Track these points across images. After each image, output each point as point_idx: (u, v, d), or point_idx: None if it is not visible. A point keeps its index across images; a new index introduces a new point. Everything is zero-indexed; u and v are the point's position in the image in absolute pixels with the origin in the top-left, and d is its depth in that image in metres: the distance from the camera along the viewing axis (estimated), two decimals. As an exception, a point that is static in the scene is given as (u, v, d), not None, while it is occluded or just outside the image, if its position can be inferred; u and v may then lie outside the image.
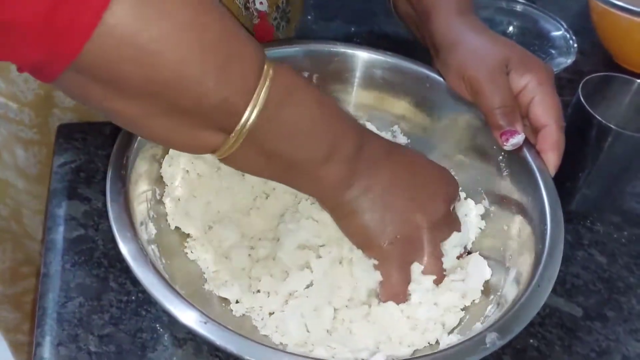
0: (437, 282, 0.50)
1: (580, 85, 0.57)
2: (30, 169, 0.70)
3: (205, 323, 0.40)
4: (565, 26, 0.75)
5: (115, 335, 0.48)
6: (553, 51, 0.74)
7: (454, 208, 0.52)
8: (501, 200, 0.54)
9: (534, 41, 0.77)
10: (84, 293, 0.50)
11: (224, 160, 0.42)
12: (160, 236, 0.49)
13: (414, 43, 0.68)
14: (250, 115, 0.39)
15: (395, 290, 0.49)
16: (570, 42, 0.73)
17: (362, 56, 0.59)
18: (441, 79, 0.57)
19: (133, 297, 0.50)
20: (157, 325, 0.49)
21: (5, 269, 0.80)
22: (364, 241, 0.48)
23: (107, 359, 0.46)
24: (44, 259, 0.52)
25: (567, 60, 0.70)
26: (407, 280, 0.49)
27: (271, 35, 0.64)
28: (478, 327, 0.45)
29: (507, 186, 0.53)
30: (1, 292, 0.83)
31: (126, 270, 0.51)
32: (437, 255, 0.50)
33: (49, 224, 0.55)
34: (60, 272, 0.51)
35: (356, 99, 0.61)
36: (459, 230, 0.52)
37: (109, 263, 0.52)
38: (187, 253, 0.51)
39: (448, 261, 0.51)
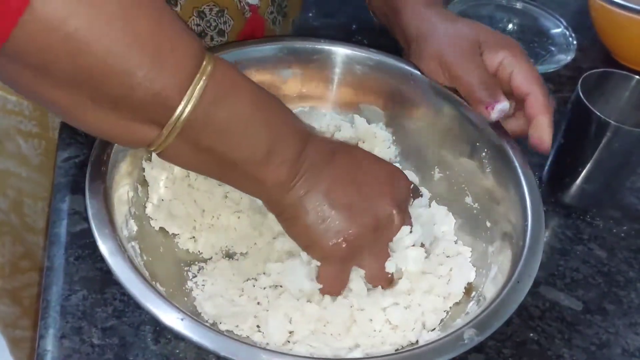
0: (375, 283, 0.49)
1: (580, 81, 0.57)
2: (32, 158, 0.70)
3: (182, 320, 0.40)
4: (564, 23, 0.75)
5: (119, 328, 0.48)
6: (553, 48, 0.74)
7: (406, 207, 0.51)
8: (484, 197, 0.54)
9: (533, 38, 0.77)
10: (87, 286, 0.50)
11: (160, 155, 0.42)
12: (142, 233, 0.49)
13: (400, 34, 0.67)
14: (184, 110, 0.38)
15: (331, 289, 0.49)
16: (570, 39, 0.73)
17: (343, 52, 0.60)
18: (425, 76, 0.57)
19: (136, 290, 0.50)
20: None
21: (4, 263, 0.80)
22: (306, 243, 0.48)
23: (111, 352, 0.47)
24: (47, 252, 0.53)
25: (567, 57, 0.70)
26: (345, 281, 0.49)
27: (262, 29, 0.63)
28: (458, 323, 0.46)
29: (489, 183, 0.54)
30: (0, 286, 0.83)
31: (129, 263, 0.51)
32: (382, 256, 0.49)
33: (53, 218, 0.55)
34: (64, 265, 0.52)
35: (337, 95, 0.62)
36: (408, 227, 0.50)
37: (112, 257, 0.52)
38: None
39: (401, 260, 0.50)
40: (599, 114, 0.55)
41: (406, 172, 0.55)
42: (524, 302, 0.53)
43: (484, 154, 0.54)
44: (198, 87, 0.38)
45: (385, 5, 0.62)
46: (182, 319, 0.40)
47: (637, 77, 0.59)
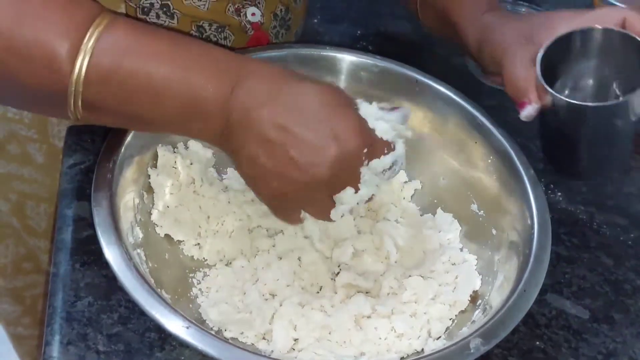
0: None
1: (538, 57, 0.52)
2: (36, 159, 0.70)
3: (187, 328, 0.40)
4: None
5: (124, 334, 0.48)
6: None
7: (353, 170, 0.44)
8: (490, 204, 0.54)
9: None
10: (93, 293, 0.51)
11: (81, 119, 0.42)
12: (148, 240, 0.50)
13: (420, 44, 0.68)
14: (81, 67, 0.38)
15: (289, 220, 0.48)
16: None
17: (348, 59, 0.60)
18: (431, 82, 0.58)
19: (141, 297, 0.50)
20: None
21: (7, 264, 0.81)
22: (251, 186, 0.46)
23: (116, 358, 0.47)
24: (53, 258, 0.53)
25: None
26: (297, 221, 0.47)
27: (267, 44, 0.64)
28: (464, 332, 0.46)
29: (495, 190, 0.54)
30: (2, 286, 0.83)
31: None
32: (326, 205, 0.45)
33: (59, 224, 0.55)
34: (70, 271, 0.52)
35: None
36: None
37: (117, 263, 0.52)
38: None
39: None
40: (558, 95, 0.51)
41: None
42: (530, 310, 0.53)
43: (489, 160, 0.54)
44: (91, 43, 0.38)
45: (439, 19, 0.62)
46: (187, 327, 0.41)
47: (599, 27, 0.52)
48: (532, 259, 0.45)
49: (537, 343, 0.52)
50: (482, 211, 0.55)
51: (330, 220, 0.46)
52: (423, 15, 0.65)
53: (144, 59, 0.39)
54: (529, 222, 0.48)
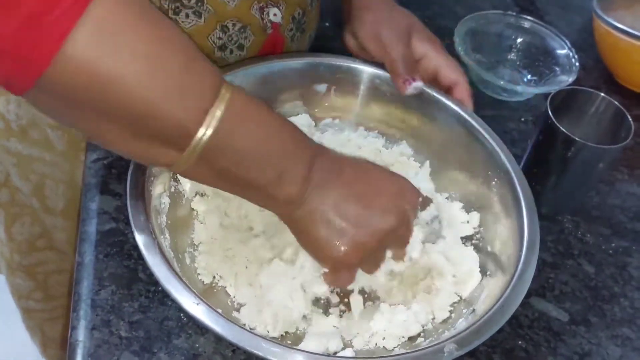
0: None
1: (549, 98, 0.62)
2: (57, 144, 0.74)
3: (197, 304, 0.45)
4: (569, 45, 0.78)
5: (144, 322, 0.53)
6: (557, 68, 0.78)
7: (410, 219, 0.53)
8: (487, 220, 0.59)
9: (539, 57, 0.81)
10: (115, 282, 0.55)
11: (181, 174, 0.47)
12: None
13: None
14: (202, 136, 0.42)
15: (338, 285, 0.56)
16: (573, 60, 0.77)
17: (368, 71, 0.66)
18: (438, 96, 0.64)
19: (160, 288, 0.54)
20: (182, 315, 0.54)
21: (22, 241, 0.84)
22: (316, 253, 0.51)
23: (137, 344, 0.51)
24: (78, 248, 0.57)
25: (569, 79, 0.74)
26: (352, 280, 0.53)
27: (282, 46, 0.68)
28: (445, 335, 0.50)
29: (495, 207, 0.58)
30: (17, 262, 0.87)
31: (154, 262, 0.56)
32: (381, 259, 0.55)
33: (83, 216, 0.60)
34: (94, 261, 0.56)
35: (362, 112, 0.68)
36: (406, 241, 0.54)
37: (138, 255, 0.57)
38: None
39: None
40: (564, 130, 0.60)
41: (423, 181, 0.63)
42: (515, 312, 0.58)
43: (494, 182, 0.59)
44: (216, 115, 0.42)
45: None
46: (197, 304, 0.45)
47: (602, 94, 0.64)
48: (515, 278, 0.50)
49: (520, 342, 0.57)
50: (482, 228, 0.60)
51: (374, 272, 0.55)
52: None
53: (256, 131, 0.46)
54: (519, 243, 0.52)
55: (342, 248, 0.50)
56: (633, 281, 0.63)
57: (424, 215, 0.58)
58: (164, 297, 0.55)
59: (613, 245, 0.66)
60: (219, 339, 0.52)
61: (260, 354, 0.44)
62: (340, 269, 0.52)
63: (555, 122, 0.60)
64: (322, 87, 0.66)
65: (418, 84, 0.62)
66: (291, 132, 0.48)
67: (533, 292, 0.60)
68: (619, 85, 0.85)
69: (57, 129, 0.72)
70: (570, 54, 0.78)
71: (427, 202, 0.58)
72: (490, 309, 0.48)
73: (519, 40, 0.82)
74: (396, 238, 0.53)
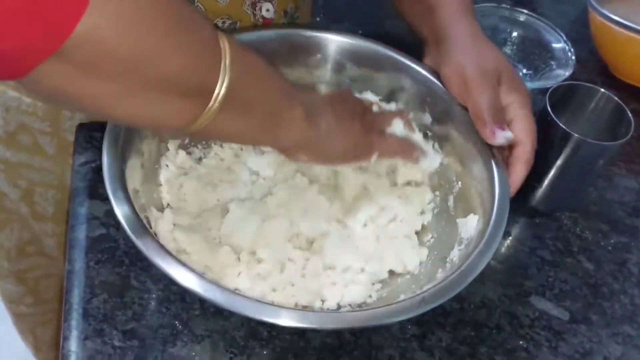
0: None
1: (548, 93, 0.61)
2: (47, 148, 0.73)
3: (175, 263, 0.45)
4: (564, 38, 0.78)
5: (138, 330, 0.52)
6: (552, 62, 0.77)
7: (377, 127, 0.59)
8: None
9: (534, 50, 0.80)
10: (107, 290, 0.54)
11: (204, 130, 0.45)
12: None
13: (421, 46, 0.70)
14: (222, 83, 0.43)
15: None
16: (569, 54, 0.76)
17: (336, 40, 0.63)
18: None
19: (153, 295, 0.54)
20: (177, 322, 0.52)
21: (11, 247, 0.83)
22: (331, 158, 0.56)
23: (131, 353, 0.50)
24: (68, 256, 0.56)
25: (565, 73, 0.73)
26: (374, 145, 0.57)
27: None
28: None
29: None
30: (7, 268, 0.86)
31: (146, 269, 0.55)
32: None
33: (72, 222, 0.58)
34: (85, 269, 0.55)
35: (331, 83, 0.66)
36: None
37: (130, 262, 0.55)
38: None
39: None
40: (563, 127, 0.59)
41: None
42: (515, 312, 0.57)
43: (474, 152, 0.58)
44: (227, 63, 0.43)
45: (419, 6, 0.64)
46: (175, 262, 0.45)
47: (602, 90, 0.63)
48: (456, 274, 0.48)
49: (521, 342, 0.56)
50: (459, 182, 0.59)
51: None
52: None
53: (259, 67, 0.48)
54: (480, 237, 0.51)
55: (349, 150, 0.56)
56: (633, 277, 0.62)
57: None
58: (158, 304, 0.53)
59: (612, 241, 0.65)
60: (215, 346, 0.51)
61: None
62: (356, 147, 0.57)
63: (555, 118, 0.59)
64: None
65: (508, 134, 0.55)
66: (276, 71, 0.51)
67: (533, 291, 0.60)
68: (615, 78, 0.84)
69: (46, 134, 0.70)
70: (566, 47, 0.77)
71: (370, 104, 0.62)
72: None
73: (514, 33, 0.81)
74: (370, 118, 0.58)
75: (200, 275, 0.44)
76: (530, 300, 0.59)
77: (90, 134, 0.65)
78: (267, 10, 0.64)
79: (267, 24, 0.65)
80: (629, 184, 0.72)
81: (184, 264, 0.45)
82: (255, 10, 0.63)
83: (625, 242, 0.65)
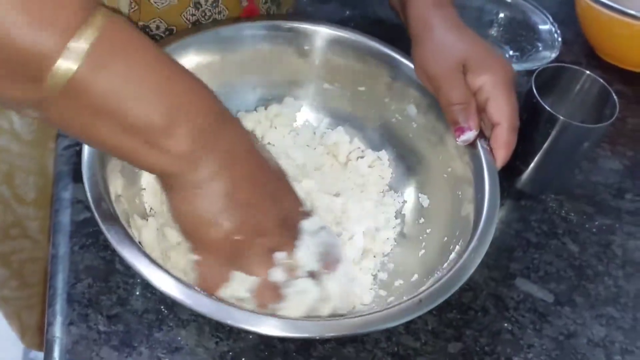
0: (260, 296, 0.47)
1: (534, 75, 0.61)
2: (25, 135, 0.72)
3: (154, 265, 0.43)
4: (551, 20, 0.77)
5: (123, 315, 0.51)
6: (539, 44, 0.77)
7: (295, 224, 0.48)
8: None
9: (521, 32, 0.79)
10: (92, 274, 0.53)
11: (47, 117, 0.39)
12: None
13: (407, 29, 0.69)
14: (66, 67, 0.36)
15: (209, 285, 0.46)
16: (555, 35, 0.76)
17: (324, 33, 0.62)
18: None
19: (138, 280, 0.53)
20: (162, 307, 0.52)
21: None
22: (190, 228, 0.45)
23: (116, 338, 0.50)
24: (52, 240, 0.55)
25: (552, 55, 0.73)
26: (223, 280, 0.46)
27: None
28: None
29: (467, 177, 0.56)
30: None
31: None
32: (267, 264, 0.47)
33: (56, 206, 0.57)
34: (69, 254, 0.54)
35: (324, 77, 0.64)
36: (289, 248, 0.47)
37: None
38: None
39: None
40: (549, 109, 0.59)
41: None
42: (500, 294, 0.58)
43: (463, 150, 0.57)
44: (81, 43, 0.36)
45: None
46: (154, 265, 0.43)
47: (587, 72, 0.63)
48: (445, 278, 0.47)
49: (506, 325, 0.56)
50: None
51: (270, 287, 0.47)
52: None
53: (135, 66, 0.39)
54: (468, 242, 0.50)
55: (222, 231, 0.44)
56: (617, 259, 0.63)
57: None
58: (143, 289, 0.53)
59: (597, 223, 0.66)
60: (200, 330, 0.51)
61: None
62: (213, 259, 0.46)
63: (540, 100, 0.59)
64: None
65: (468, 136, 0.54)
66: (191, 79, 0.42)
67: (518, 274, 0.60)
68: (600, 60, 0.84)
69: (25, 118, 0.69)
70: (553, 29, 0.76)
71: (306, 213, 0.50)
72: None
73: (501, 15, 0.81)
74: (282, 237, 0.47)
75: (180, 281, 0.42)
76: (515, 282, 0.59)
77: (73, 117, 0.64)
78: None
79: (250, 16, 0.64)
80: (613, 165, 0.72)
81: (163, 270, 0.43)
82: None
83: (610, 224, 0.66)
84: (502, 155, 0.54)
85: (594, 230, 0.65)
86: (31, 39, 0.35)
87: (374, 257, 0.57)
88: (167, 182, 0.44)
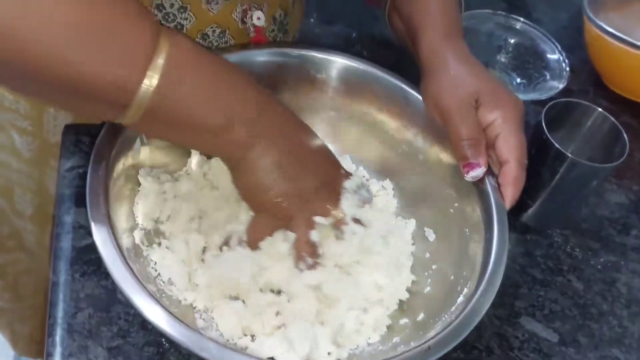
0: (299, 249, 0.54)
1: (544, 110, 0.60)
2: (24, 152, 0.71)
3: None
4: (559, 48, 0.77)
5: (123, 347, 0.50)
6: (547, 73, 0.76)
7: (336, 188, 0.56)
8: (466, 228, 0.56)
9: (529, 59, 0.79)
10: (93, 304, 0.52)
11: (127, 126, 0.45)
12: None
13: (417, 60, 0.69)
14: (146, 91, 0.41)
15: (254, 237, 0.55)
16: (564, 65, 0.75)
17: (339, 62, 0.61)
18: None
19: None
20: (163, 340, 0.51)
21: None
22: (249, 195, 0.53)
23: (117, 372, 0.49)
24: (52, 266, 0.54)
25: (559, 86, 0.73)
26: (267, 235, 0.54)
27: None
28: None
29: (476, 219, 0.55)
30: None
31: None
32: (309, 225, 0.54)
33: (58, 231, 0.56)
34: (70, 281, 0.53)
35: (333, 105, 0.64)
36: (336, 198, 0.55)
37: (116, 274, 0.54)
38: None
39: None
40: (558, 146, 0.58)
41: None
42: (505, 333, 0.57)
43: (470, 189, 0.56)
44: (157, 68, 0.41)
45: (406, 28, 0.62)
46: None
47: (599, 109, 0.62)
48: (455, 323, 0.46)
49: (509, 364, 0.56)
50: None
51: (309, 243, 0.54)
52: (390, 19, 0.66)
53: (203, 78, 0.45)
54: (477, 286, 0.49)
55: (274, 197, 0.52)
56: (622, 298, 0.63)
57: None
58: (144, 320, 0.51)
59: (602, 260, 0.65)
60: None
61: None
62: (265, 217, 0.54)
63: (550, 137, 0.59)
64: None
65: (476, 172, 0.53)
66: (238, 76, 0.49)
67: (523, 312, 0.59)
68: (608, 89, 0.84)
69: (27, 133, 0.68)
70: (561, 58, 0.76)
71: (348, 174, 0.58)
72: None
73: (509, 41, 0.80)
74: (324, 202, 0.54)
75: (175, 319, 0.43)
76: (520, 321, 0.59)
77: (78, 137, 0.63)
78: (258, 18, 0.62)
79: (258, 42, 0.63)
80: (619, 199, 0.72)
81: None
82: (246, 19, 0.61)
83: (615, 261, 0.66)
84: (510, 193, 0.54)
85: (599, 267, 0.65)
86: (120, 74, 0.40)
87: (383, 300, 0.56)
88: (230, 162, 0.52)
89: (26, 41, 0.36)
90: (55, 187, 0.60)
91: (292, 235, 0.54)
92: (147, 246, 0.53)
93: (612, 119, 0.62)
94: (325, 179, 0.55)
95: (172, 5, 0.57)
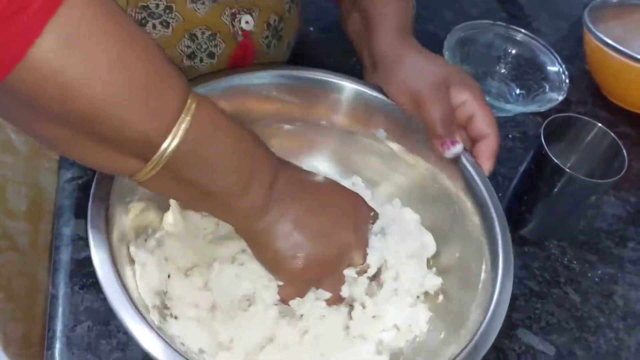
0: (330, 302, 0.54)
1: (543, 125, 0.61)
2: (20, 148, 0.71)
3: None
4: (559, 60, 0.77)
5: (122, 361, 0.51)
6: (546, 84, 0.76)
7: (364, 234, 0.55)
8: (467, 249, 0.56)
9: (528, 70, 0.79)
10: (92, 317, 0.52)
11: (142, 184, 0.45)
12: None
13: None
14: (168, 147, 0.41)
15: (286, 300, 0.53)
16: (563, 77, 0.75)
17: (348, 86, 0.61)
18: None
19: (139, 324, 0.52)
20: (162, 353, 0.51)
21: None
22: (274, 267, 0.52)
23: (115, 386, 0.49)
24: (52, 279, 0.54)
25: (559, 98, 0.73)
26: (299, 295, 0.53)
27: (252, 53, 0.64)
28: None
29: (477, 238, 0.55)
30: None
31: (132, 295, 0.54)
32: (339, 281, 0.54)
33: (57, 243, 0.57)
34: (69, 294, 0.53)
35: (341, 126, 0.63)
36: (363, 255, 0.54)
37: (115, 287, 0.54)
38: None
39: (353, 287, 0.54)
40: (556, 161, 0.59)
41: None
42: (502, 345, 0.57)
43: (475, 219, 0.55)
44: (182, 126, 0.41)
45: (361, 23, 0.65)
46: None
47: (599, 125, 0.63)
48: (470, 346, 0.47)
49: (506, 378, 0.56)
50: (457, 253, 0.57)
51: (339, 298, 0.54)
52: (345, 12, 0.68)
53: (223, 142, 0.45)
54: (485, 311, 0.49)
55: (300, 262, 0.51)
56: (618, 311, 0.63)
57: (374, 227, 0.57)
58: (144, 333, 0.52)
59: (599, 272, 0.66)
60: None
61: None
62: (295, 285, 0.53)
63: (549, 152, 0.59)
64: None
65: (457, 148, 0.56)
66: (255, 143, 0.48)
67: (520, 324, 0.60)
68: (606, 100, 0.84)
69: (20, 132, 0.69)
70: (561, 70, 0.76)
71: (376, 215, 0.58)
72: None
73: (509, 51, 0.80)
74: (353, 252, 0.54)
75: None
76: (517, 333, 0.59)
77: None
78: (247, 22, 0.62)
79: (245, 50, 0.63)
80: (617, 211, 0.72)
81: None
82: (234, 22, 0.61)
83: (612, 274, 0.66)
84: (490, 164, 0.56)
85: (596, 279, 0.65)
86: (147, 125, 0.40)
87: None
88: (241, 232, 0.51)
89: (76, 89, 0.37)
90: (55, 199, 0.60)
91: (325, 295, 0.53)
92: (162, 322, 0.51)
93: (612, 134, 0.62)
94: (351, 227, 0.54)
95: (157, 6, 0.57)
